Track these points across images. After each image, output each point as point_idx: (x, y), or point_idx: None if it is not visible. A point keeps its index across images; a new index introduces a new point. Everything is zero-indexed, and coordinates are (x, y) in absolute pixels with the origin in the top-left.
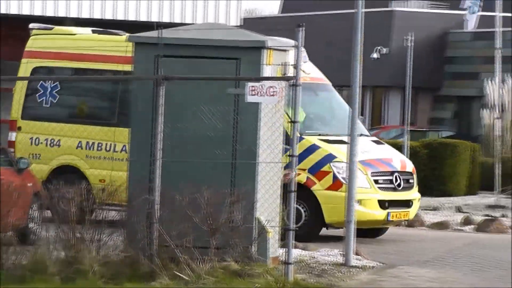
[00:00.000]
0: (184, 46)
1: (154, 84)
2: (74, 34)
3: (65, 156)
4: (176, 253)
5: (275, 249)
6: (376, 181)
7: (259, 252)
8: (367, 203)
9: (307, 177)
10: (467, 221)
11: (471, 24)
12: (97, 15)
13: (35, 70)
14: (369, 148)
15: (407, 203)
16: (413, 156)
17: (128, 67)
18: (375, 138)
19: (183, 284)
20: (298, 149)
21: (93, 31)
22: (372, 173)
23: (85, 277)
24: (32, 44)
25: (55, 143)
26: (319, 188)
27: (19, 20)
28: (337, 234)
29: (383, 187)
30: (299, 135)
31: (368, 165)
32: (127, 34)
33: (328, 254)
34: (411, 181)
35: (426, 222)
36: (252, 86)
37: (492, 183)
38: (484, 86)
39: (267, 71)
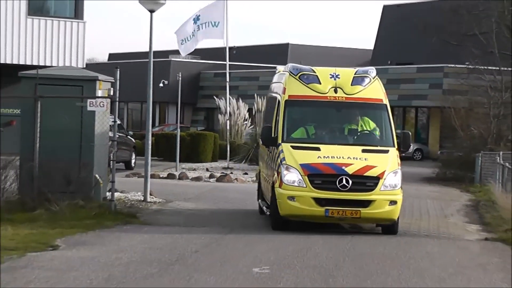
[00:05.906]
0: (52, 79)
1: (34, 100)
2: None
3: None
4: (48, 195)
5: (105, 193)
6: (312, 182)
7: (95, 195)
8: (301, 200)
9: (276, 177)
10: (211, 176)
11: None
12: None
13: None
14: (337, 154)
15: (359, 203)
16: (182, 141)
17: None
18: (369, 148)
19: (52, 213)
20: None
21: None
22: (309, 174)
23: None
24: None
25: None
26: (277, 186)
27: None
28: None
29: (322, 187)
30: (280, 143)
31: (309, 168)
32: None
33: (135, 195)
34: (369, 184)
35: (190, 177)
36: (91, 101)
37: (225, 155)
38: (218, 102)
39: (99, 93)
